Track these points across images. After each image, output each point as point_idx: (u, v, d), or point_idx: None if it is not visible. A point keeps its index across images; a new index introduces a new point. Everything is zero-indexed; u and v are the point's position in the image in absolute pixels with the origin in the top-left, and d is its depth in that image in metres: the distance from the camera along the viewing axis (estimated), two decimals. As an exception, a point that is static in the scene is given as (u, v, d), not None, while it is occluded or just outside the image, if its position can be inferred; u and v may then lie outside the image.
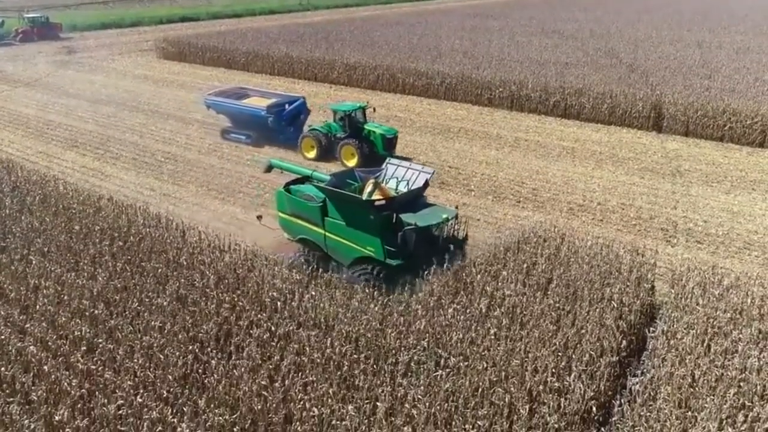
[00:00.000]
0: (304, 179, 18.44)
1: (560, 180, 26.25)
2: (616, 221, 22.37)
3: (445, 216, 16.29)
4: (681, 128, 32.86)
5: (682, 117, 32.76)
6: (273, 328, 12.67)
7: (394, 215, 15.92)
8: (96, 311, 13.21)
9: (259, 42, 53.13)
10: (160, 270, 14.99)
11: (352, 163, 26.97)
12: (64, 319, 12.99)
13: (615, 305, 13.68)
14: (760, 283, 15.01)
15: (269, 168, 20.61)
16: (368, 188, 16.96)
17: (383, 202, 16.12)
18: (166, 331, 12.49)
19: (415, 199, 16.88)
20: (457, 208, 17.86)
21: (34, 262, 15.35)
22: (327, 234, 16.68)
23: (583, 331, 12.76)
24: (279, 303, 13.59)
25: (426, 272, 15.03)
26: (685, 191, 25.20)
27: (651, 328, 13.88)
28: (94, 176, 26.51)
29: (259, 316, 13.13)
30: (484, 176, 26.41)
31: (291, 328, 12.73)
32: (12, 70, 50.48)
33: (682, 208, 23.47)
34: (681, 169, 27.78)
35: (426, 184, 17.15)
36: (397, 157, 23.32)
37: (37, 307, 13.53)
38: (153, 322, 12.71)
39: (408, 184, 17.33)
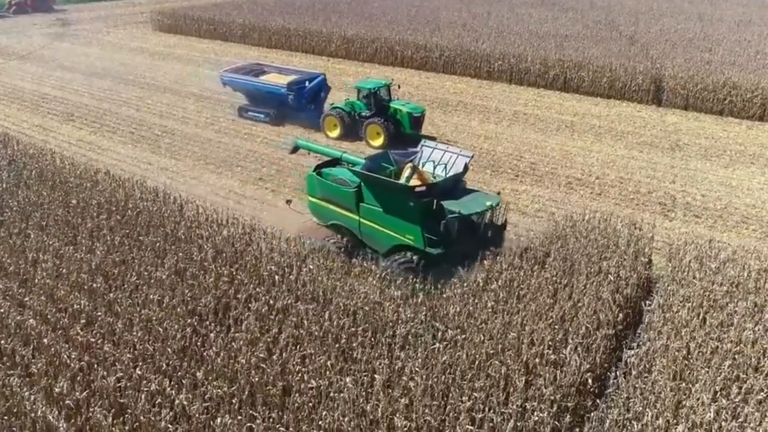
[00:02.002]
0: (334, 161, 17.79)
1: (559, 154, 26.19)
2: (615, 195, 22.37)
3: (489, 203, 15.49)
4: (681, 102, 32.72)
5: (681, 90, 32.60)
6: (271, 302, 12.71)
7: (435, 202, 15.33)
8: (95, 285, 13.24)
9: (255, 14, 52.51)
10: (158, 244, 15.00)
11: (377, 142, 26.48)
12: (63, 292, 13.03)
13: (612, 279, 13.72)
14: (756, 256, 15.06)
15: (295, 149, 20.01)
16: (406, 173, 16.29)
17: (424, 188, 15.44)
18: (164, 305, 12.53)
19: (454, 184, 16.06)
20: (498, 194, 16.93)
21: (32, 236, 15.34)
22: (362, 220, 16.04)
23: (580, 304, 12.82)
24: (277, 277, 13.62)
25: (475, 261, 14.55)
26: (684, 165, 25.17)
27: (647, 302, 13.96)
28: (90, 150, 26.39)
29: (257, 289, 13.17)
30: (483, 150, 26.31)
31: (289, 301, 12.77)
32: (6, 42, 49.93)
33: (680, 182, 23.47)
34: (680, 143, 27.71)
35: (466, 169, 16.25)
36: (426, 138, 22.86)
37: (36, 280, 13.56)
38: (152, 296, 12.74)
39: (445, 168, 16.45)
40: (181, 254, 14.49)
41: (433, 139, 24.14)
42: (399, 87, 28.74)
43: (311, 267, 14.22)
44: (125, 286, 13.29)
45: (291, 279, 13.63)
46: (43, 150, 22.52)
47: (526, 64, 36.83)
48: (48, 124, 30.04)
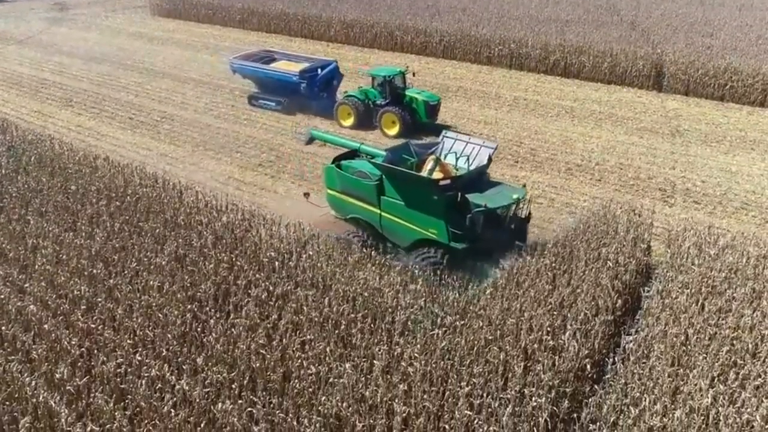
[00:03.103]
0: (352, 153, 17.41)
1: (559, 140, 26.14)
2: (614, 181, 22.36)
3: (515, 196, 15.11)
4: (681, 87, 32.64)
5: (682, 76, 32.52)
6: (271, 288, 12.72)
7: (459, 195, 14.91)
8: (95, 271, 13.24)
9: (255, -2, 52.24)
10: (157, 230, 14.99)
11: (393, 131, 26.11)
12: (63, 278, 13.03)
13: (611, 265, 13.73)
14: (755, 242, 15.06)
15: (310, 140, 19.67)
16: (428, 165, 15.86)
17: (448, 181, 15.00)
18: (164, 291, 12.54)
19: (478, 177, 15.65)
20: (524, 186, 16.48)
21: (31, 222, 15.33)
22: (383, 214, 15.73)
23: (579, 290, 12.84)
24: (277, 263, 13.63)
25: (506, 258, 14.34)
26: (684, 151, 25.14)
27: (646, 288, 14.00)
28: (89, 136, 26.34)
29: (257, 275, 13.18)
30: (482, 136, 26.18)
31: (289, 287, 12.79)
32: (4, 27, 49.68)
33: (680, 168, 23.45)
34: (680, 128, 27.66)
35: (490, 160, 15.88)
36: (442, 127, 22.57)
37: (36, 266, 13.55)
38: (152, 282, 12.75)
39: (468, 159, 15.99)
40: (180, 240, 14.48)
41: (447, 128, 24.01)
42: (414, 74, 28.10)
43: (311, 253, 14.23)
44: (125, 272, 13.30)
45: (291, 265, 13.64)
46: (42, 136, 22.44)
47: (527, 49, 36.70)
48: (47, 109, 29.96)
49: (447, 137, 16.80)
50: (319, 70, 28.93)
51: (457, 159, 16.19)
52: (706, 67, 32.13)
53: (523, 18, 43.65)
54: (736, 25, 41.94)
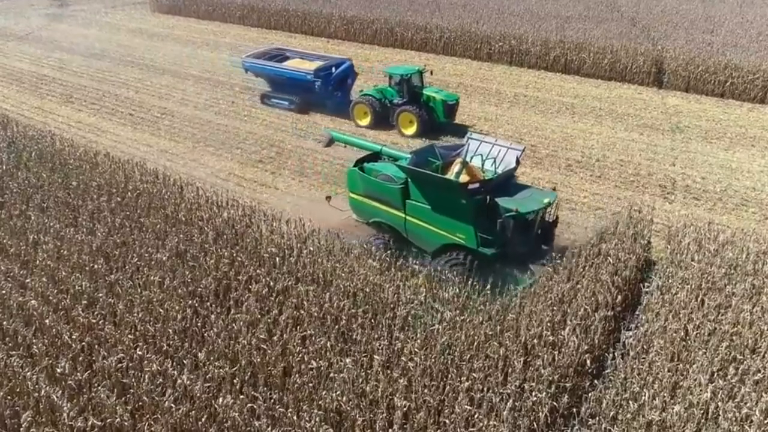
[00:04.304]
0: (374, 156, 17.05)
1: (559, 136, 26.13)
2: (615, 177, 22.36)
3: (546, 200, 14.78)
4: (682, 84, 32.61)
5: (683, 72, 32.48)
6: (272, 283, 12.74)
7: (488, 198, 14.64)
8: (96, 266, 13.26)
9: (254, -6, 52.13)
10: (158, 225, 15.00)
11: (410, 131, 25.74)
12: (64, 273, 13.05)
13: (611, 261, 13.75)
14: (755, 238, 15.09)
15: (330, 141, 19.32)
16: (455, 168, 15.38)
17: (477, 184, 14.65)
18: (165, 286, 12.56)
19: (506, 180, 15.35)
20: (554, 189, 16.24)
21: (32, 217, 15.34)
22: (408, 218, 15.42)
23: (579, 286, 12.87)
24: (277, 258, 13.65)
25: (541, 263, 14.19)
26: (684, 147, 25.14)
27: (646, 284, 14.02)
28: (90, 132, 26.34)
29: (257, 271, 13.19)
30: (482, 133, 26.21)
31: (289, 283, 12.81)
32: (3, 23, 49.63)
33: (680, 165, 23.45)
34: (680, 125, 27.65)
35: (517, 163, 15.63)
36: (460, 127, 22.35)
37: (37, 262, 13.58)
38: (152, 277, 12.77)
39: (494, 162, 15.61)
40: (181, 236, 14.49)
41: (466, 128, 23.91)
42: (432, 73, 27.60)
43: (311, 249, 14.24)
44: (126, 267, 13.32)
45: (291, 261, 13.65)
46: (43, 132, 22.42)
47: (527, 46, 36.65)
48: (47, 105, 29.95)
49: (472, 139, 16.43)
50: (334, 69, 28.40)
51: (483, 161, 15.82)
52: (706, 63, 32.09)
53: (524, 14, 43.62)
54: (736, 21, 41.90)
